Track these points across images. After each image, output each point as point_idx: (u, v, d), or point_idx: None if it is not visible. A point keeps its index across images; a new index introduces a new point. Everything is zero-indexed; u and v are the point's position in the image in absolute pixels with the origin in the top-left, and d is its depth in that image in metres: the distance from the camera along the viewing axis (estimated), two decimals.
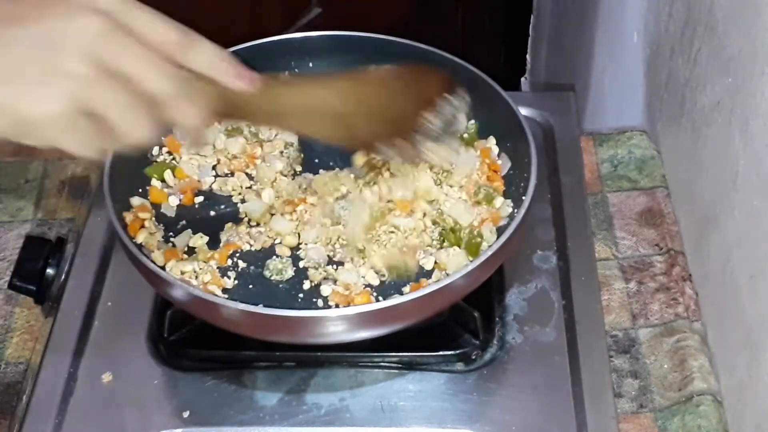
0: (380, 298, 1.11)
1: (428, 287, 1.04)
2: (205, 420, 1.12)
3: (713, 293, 1.24)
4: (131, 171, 1.22)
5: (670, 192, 1.41)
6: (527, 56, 2.49)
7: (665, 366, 1.21)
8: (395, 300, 1.03)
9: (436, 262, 1.14)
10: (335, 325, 1.04)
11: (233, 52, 1.29)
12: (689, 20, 1.31)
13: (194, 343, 1.18)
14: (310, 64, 1.36)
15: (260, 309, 1.05)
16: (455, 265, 1.12)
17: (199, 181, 1.25)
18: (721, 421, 1.14)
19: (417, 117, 1.02)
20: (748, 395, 1.10)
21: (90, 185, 1.42)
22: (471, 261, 1.10)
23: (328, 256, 1.16)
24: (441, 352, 1.16)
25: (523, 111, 1.27)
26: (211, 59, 0.85)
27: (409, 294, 1.04)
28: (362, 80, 1.03)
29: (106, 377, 1.16)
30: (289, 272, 1.14)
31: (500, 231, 1.16)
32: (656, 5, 1.44)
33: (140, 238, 1.16)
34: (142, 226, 1.17)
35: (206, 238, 1.17)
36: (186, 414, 1.12)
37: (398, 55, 1.33)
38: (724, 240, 1.19)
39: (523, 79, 2.52)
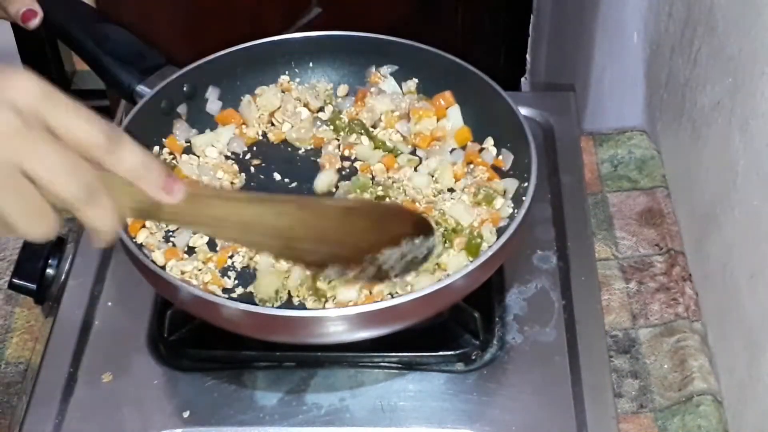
0: None
1: (428, 288, 1.04)
2: (205, 420, 1.12)
3: (713, 293, 1.24)
4: None
5: (670, 192, 1.41)
6: (527, 56, 2.49)
7: (665, 366, 1.21)
8: (395, 300, 1.03)
9: (437, 263, 1.14)
10: (335, 325, 1.04)
11: (234, 51, 1.31)
12: (689, 20, 1.31)
13: (194, 343, 1.18)
14: (311, 64, 1.36)
15: (260, 309, 1.05)
16: (455, 266, 1.12)
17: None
18: (721, 421, 1.14)
19: (376, 249, 0.97)
20: (748, 395, 1.10)
21: None
22: (471, 261, 1.10)
23: None
24: (441, 352, 1.16)
25: (523, 111, 1.28)
26: (135, 166, 0.78)
27: (410, 294, 1.04)
28: (317, 208, 0.98)
29: (106, 377, 1.15)
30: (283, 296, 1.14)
31: (500, 231, 1.16)
32: (656, 5, 1.44)
33: (140, 237, 1.16)
34: (143, 226, 1.18)
35: (206, 239, 1.18)
36: (186, 414, 1.12)
37: (398, 54, 1.33)
38: (724, 240, 1.19)
39: (523, 79, 2.52)
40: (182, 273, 1.13)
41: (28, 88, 0.73)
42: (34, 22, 1.26)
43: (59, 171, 0.73)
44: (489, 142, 1.27)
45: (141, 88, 1.27)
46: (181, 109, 1.30)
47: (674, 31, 1.37)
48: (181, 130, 1.29)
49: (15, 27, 2.05)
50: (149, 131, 1.26)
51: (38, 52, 2.98)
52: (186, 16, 1.32)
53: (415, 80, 1.34)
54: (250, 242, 0.98)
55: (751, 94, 1.08)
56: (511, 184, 1.21)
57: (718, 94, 1.20)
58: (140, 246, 1.15)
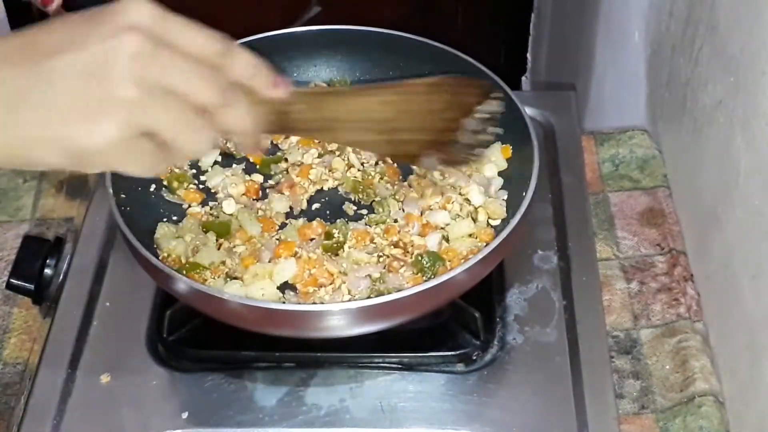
0: None
1: (429, 282, 1.04)
2: (204, 421, 1.12)
3: (715, 293, 1.24)
4: None
5: (672, 192, 1.41)
6: (528, 55, 2.49)
7: (667, 367, 1.21)
8: (396, 294, 1.03)
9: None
10: (337, 318, 1.04)
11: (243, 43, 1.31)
12: (690, 19, 1.31)
13: (193, 343, 1.17)
14: (315, 60, 1.37)
15: (261, 302, 1.05)
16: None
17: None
18: (722, 422, 1.14)
19: (457, 124, 1.02)
20: (750, 396, 1.10)
21: (89, 185, 1.42)
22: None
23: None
24: (441, 353, 1.16)
25: None
26: (247, 68, 0.84)
27: (410, 288, 1.04)
28: (405, 90, 1.03)
29: (105, 378, 1.15)
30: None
31: (500, 228, 1.17)
32: (657, 4, 1.44)
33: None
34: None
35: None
36: (185, 415, 1.12)
37: (402, 49, 1.33)
38: (726, 240, 1.19)
39: (523, 78, 2.53)
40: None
41: (145, 11, 0.77)
42: (53, 6, 1.27)
43: (195, 80, 0.78)
44: None
45: None
46: None
47: (675, 30, 1.37)
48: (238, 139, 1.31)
49: (12, 26, 2.04)
50: None
51: None
52: (183, 15, 1.32)
53: None
54: (359, 141, 1.02)
55: (752, 93, 1.08)
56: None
57: (720, 94, 1.19)
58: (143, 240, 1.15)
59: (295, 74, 1.37)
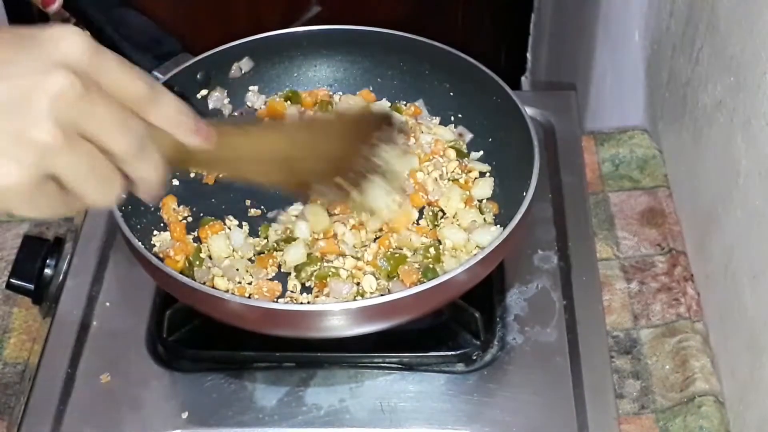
0: None
1: (429, 282, 1.04)
2: (203, 421, 1.12)
3: (715, 293, 1.24)
4: None
5: (672, 192, 1.41)
6: (528, 55, 2.49)
7: (667, 367, 1.21)
8: (397, 294, 1.03)
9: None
10: (337, 318, 1.04)
11: (238, 44, 1.30)
12: (691, 19, 1.31)
13: (193, 343, 1.18)
14: (316, 59, 1.37)
15: (262, 303, 1.05)
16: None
17: None
18: (723, 422, 1.14)
19: (356, 156, 1.03)
20: (750, 396, 1.10)
21: None
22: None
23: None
24: (441, 353, 1.16)
25: None
26: (172, 115, 0.81)
27: (411, 288, 1.04)
28: (307, 125, 1.06)
29: (105, 378, 1.15)
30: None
31: (500, 229, 1.17)
32: (657, 4, 1.45)
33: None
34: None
35: None
36: (185, 415, 1.12)
37: (401, 50, 1.33)
38: (726, 240, 1.19)
39: (523, 77, 2.53)
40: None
41: (78, 45, 0.73)
42: (54, 7, 1.27)
43: (115, 128, 0.75)
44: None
45: (155, 73, 1.28)
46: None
47: (676, 30, 1.37)
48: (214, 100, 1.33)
49: (9, 15, 2.03)
50: None
51: None
52: (184, 16, 1.33)
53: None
54: (264, 174, 1.01)
55: (753, 93, 1.08)
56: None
57: (720, 94, 1.20)
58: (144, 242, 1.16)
59: (295, 74, 1.37)
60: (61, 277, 1.26)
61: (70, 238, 1.31)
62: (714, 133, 1.23)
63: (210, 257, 1.17)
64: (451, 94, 1.34)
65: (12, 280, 1.25)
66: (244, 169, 0.98)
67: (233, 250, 1.18)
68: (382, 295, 1.09)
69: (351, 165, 1.02)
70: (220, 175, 1.18)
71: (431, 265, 1.14)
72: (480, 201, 1.24)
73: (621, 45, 1.65)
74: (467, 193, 1.23)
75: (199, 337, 1.17)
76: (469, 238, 1.17)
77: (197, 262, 1.15)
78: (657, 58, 1.47)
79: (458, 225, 1.20)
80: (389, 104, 1.36)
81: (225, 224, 1.21)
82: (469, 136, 1.31)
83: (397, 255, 1.15)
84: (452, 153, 1.28)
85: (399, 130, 1.06)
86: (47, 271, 1.26)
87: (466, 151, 1.30)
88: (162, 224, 1.22)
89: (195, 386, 1.15)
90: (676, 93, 1.39)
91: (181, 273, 1.09)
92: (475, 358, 1.17)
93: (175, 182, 1.26)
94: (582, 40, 1.88)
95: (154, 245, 1.19)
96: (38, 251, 1.26)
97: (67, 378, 1.16)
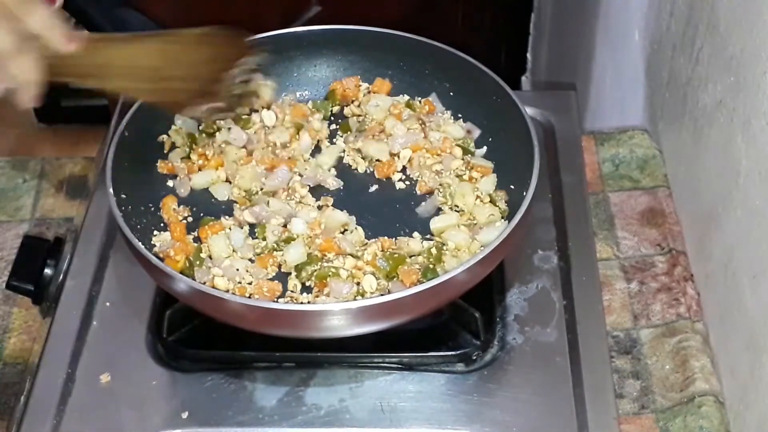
0: None
1: (429, 282, 1.05)
2: (203, 421, 1.12)
3: (715, 293, 1.24)
4: (134, 161, 1.23)
5: (672, 191, 1.42)
6: (528, 55, 2.49)
7: (667, 367, 1.21)
8: (397, 294, 1.04)
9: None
10: (337, 318, 1.05)
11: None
12: (691, 19, 1.31)
13: (193, 343, 1.18)
14: (316, 59, 1.38)
15: (262, 302, 1.06)
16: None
17: None
18: (723, 422, 1.15)
19: (222, 75, 1.12)
20: (750, 396, 1.11)
21: (88, 185, 1.42)
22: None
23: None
24: (441, 353, 1.17)
25: None
26: (45, 20, 0.91)
27: (411, 288, 1.05)
28: (173, 39, 1.11)
29: (105, 378, 1.16)
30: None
31: (500, 228, 1.17)
32: (657, 4, 1.45)
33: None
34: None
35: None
36: (185, 415, 1.12)
37: (401, 50, 1.34)
38: (726, 240, 1.19)
39: (523, 77, 2.53)
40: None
41: None
42: (55, 6, 1.28)
43: None
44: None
45: None
46: None
47: (676, 30, 1.38)
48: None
49: None
50: (158, 118, 1.28)
51: None
52: (183, 15, 1.33)
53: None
54: (129, 88, 1.10)
55: (753, 93, 1.08)
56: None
57: (720, 93, 1.20)
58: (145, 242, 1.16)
59: (295, 74, 1.38)
60: (61, 277, 1.27)
61: (70, 238, 1.32)
62: (714, 132, 1.23)
63: (210, 257, 1.17)
64: (452, 94, 1.35)
65: (12, 281, 1.25)
66: (117, 81, 1.06)
67: (233, 250, 1.18)
68: (381, 295, 1.09)
69: (220, 87, 1.11)
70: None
71: (431, 265, 1.14)
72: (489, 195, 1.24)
73: (621, 45, 1.65)
74: (477, 188, 1.24)
75: (199, 337, 1.18)
76: (475, 238, 1.17)
77: (197, 262, 1.15)
78: (657, 58, 1.48)
79: (470, 222, 1.21)
80: (407, 98, 1.36)
81: (224, 224, 1.21)
82: (477, 132, 1.32)
83: (396, 255, 1.16)
84: (459, 151, 1.28)
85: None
86: (47, 271, 1.26)
87: (473, 149, 1.30)
88: (162, 224, 1.22)
89: (195, 386, 1.15)
90: (676, 93, 1.39)
91: (181, 273, 1.09)
92: (475, 358, 1.17)
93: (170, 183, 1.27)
94: (582, 39, 1.89)
95: (155, 245, 1.19)
96: (38, 251, 1.27)
97: (67, 378, 1.16)
